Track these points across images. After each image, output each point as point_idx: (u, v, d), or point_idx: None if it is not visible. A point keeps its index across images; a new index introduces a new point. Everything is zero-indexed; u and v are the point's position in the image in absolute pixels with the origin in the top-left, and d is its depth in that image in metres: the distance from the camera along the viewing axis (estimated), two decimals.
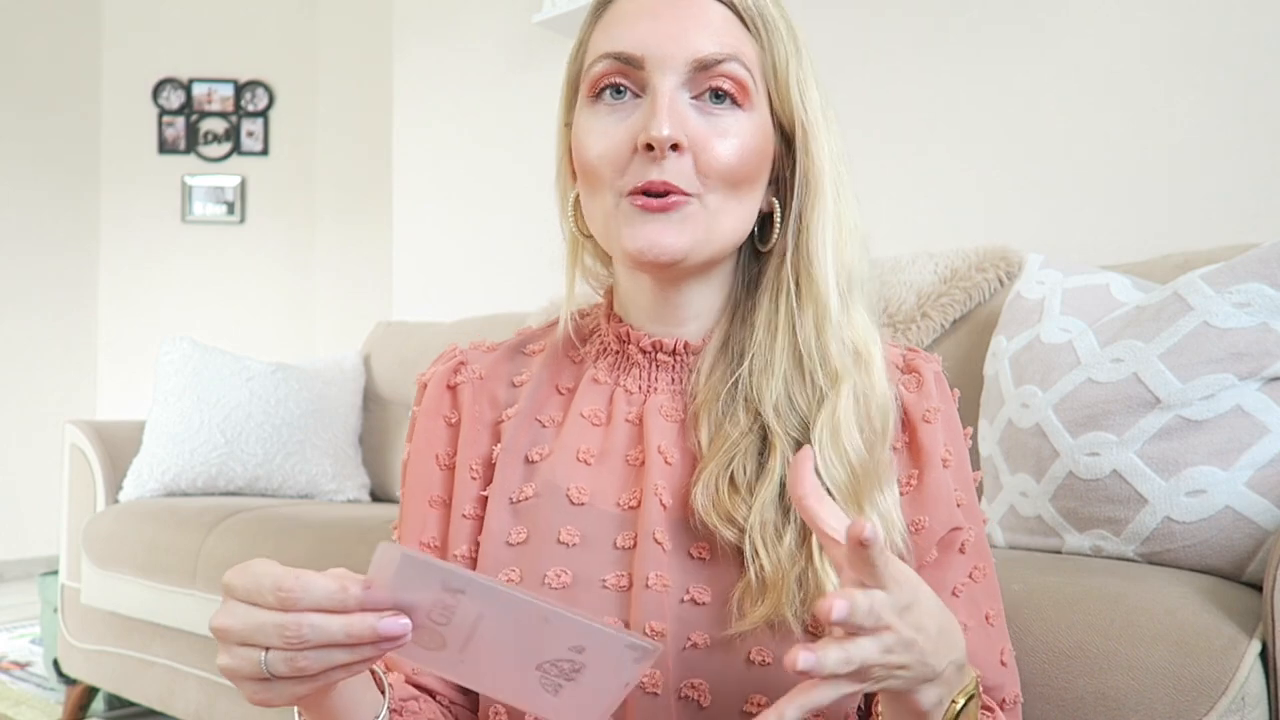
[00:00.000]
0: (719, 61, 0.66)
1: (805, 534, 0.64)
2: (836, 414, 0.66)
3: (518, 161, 2.71)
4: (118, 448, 2.17)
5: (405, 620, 0.49)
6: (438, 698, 0.73)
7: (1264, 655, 0.82)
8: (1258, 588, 0.93)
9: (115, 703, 2.25)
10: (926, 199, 1.90)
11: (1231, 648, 0.80)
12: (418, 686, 0.73)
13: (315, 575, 0.50)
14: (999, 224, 1.80)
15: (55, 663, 2.28)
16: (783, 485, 0.66)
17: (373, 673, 0.64)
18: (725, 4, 0.68)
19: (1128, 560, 1.03)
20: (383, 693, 0.63)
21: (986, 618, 0.72)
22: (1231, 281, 1.04)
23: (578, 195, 0.74)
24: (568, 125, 0.74)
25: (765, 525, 0.64)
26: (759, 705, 0.64)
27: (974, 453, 1.24)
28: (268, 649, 0.50)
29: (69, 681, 2.17)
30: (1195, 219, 1.59)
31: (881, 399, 0.68)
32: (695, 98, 0.67)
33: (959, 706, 0.57)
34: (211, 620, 0.51)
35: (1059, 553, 1.10)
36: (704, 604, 0.66)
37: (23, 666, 2.66)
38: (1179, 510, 1.00)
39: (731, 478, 0.66)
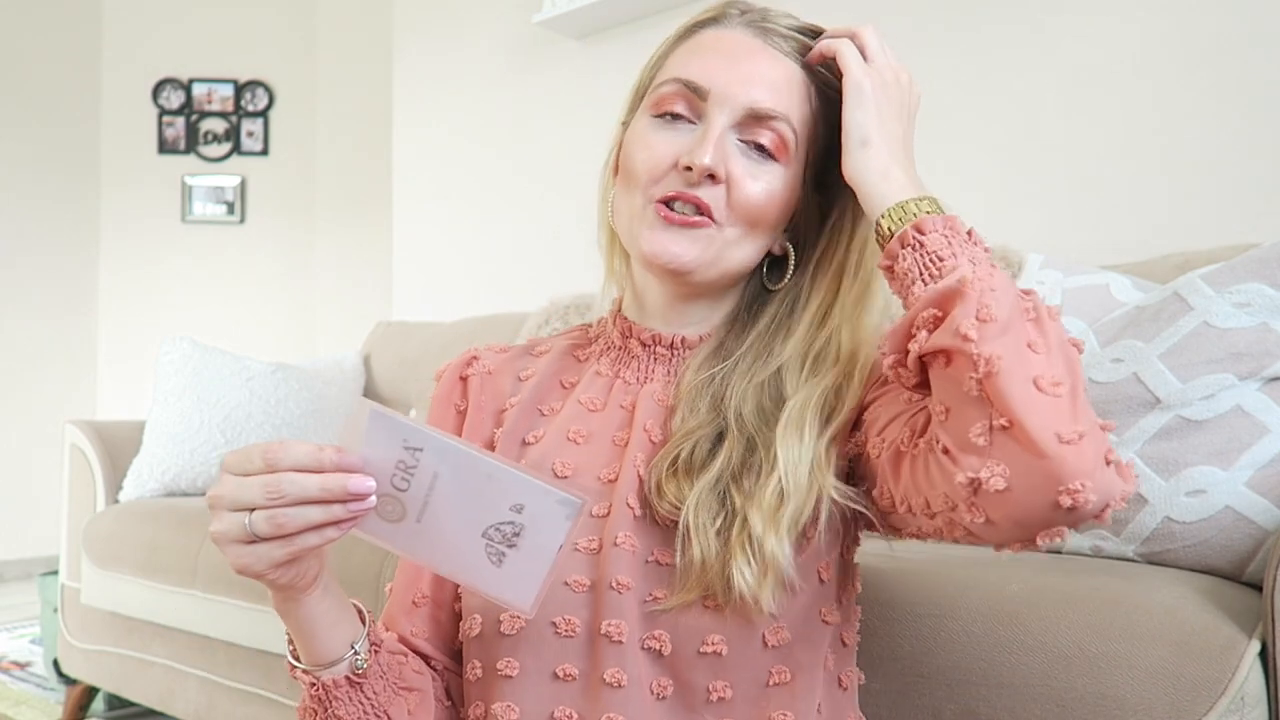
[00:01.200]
0: (771, 117, 0.73)
1: (731, 522, 0.69)
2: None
3: (518, 161, 2.71)
4: (118, 448, 2.17)
5: (371, 481, 0.56)
6: (432, 662, 0.79)
7: (1264, 655, 0.82)
8: (1258, 588, 0.93)
9: (115, 703, 2.25)
10: None
11: (1231, 648, 0.80)
12: (412, 649, 0.78)
13: (296, 441, 0.56)
14: (999, 224, 1.80)
15: (55, 663, 2.28)
16: (720, 474, 0.70)
17: (359, 611, 0.69)
18: (803, 67, 0.75)
19: (1128, 560, 1.03)
20: (364, 624, 0.69)
21: None
22: (1231, 281, 1.04)
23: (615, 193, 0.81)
24: (624, 124, 0.81)
25: (703, 506, 0.69)
26: (713, 644, 0.69)
27: None
28: (253, 510, 0.56)
29: (69, 681, 2.17)
30: (1195, 219, 1.59)
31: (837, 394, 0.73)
32: (742, 140, 0.74)
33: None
34: (208, 492, 0.58)
35: (1059, 553, 1.10)
36: (667, 565, 0.71)
37: (23, 666, 2.66)
38: (1179, 510, 0.99)
39: (676, 458, 0.72)
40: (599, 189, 0.84)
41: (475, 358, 0.85)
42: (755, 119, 0.73)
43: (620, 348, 0.82)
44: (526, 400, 0.82)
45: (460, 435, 0.82)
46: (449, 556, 0.59)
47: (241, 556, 0.57)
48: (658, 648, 0.69)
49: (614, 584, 0.70)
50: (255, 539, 0.56)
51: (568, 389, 0.83)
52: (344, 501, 0.55)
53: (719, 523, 0.69)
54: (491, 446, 0.81)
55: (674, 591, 0.69)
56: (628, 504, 0.72)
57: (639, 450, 0.75)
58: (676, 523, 0.70)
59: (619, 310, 0.84)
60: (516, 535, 0.57)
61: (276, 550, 0.57)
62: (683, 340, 0.80)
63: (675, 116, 0.74)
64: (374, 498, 0.56)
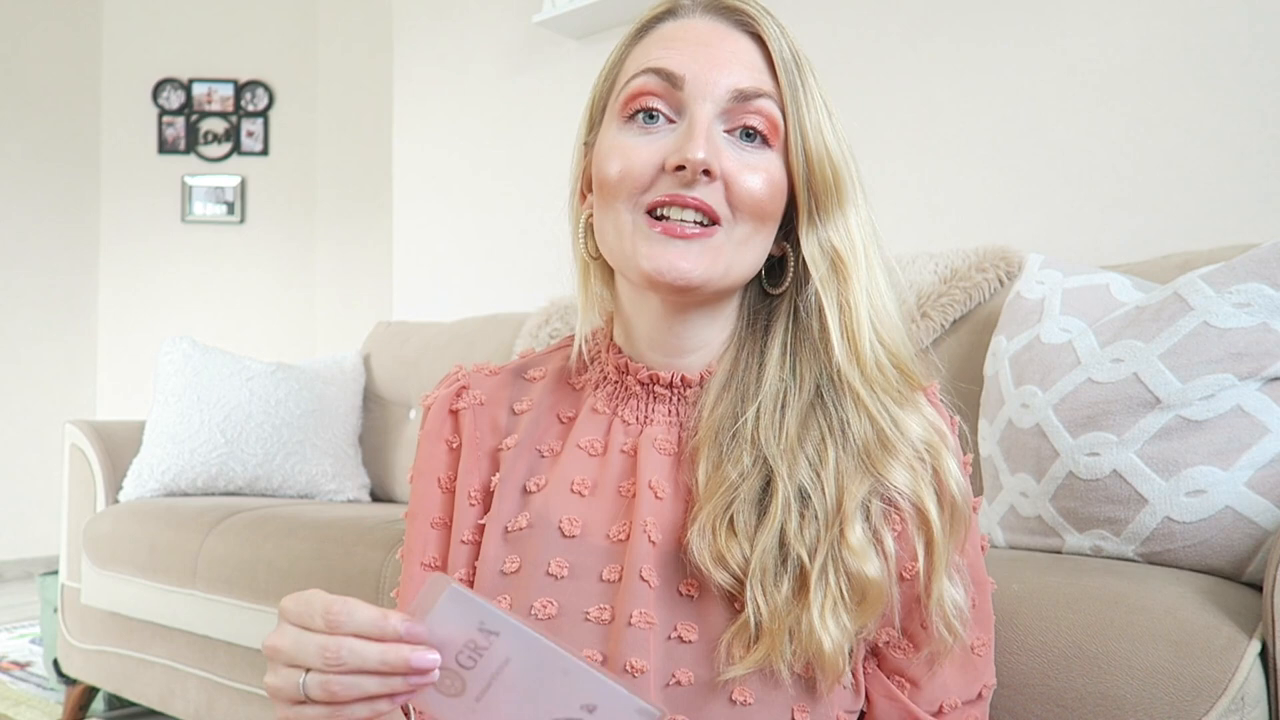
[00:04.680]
0: (757, 96, 0.67)
1: (801, 583, 0.64)
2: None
3: (518, 161, 2.71)
4: (118, 448, 2.17)
5: (436, 655, 0.52)
6: None
7: (1264, 655, 0.82)
8: (1258, 588, 0.93)
9: (115, 703, 2.25)
10: (926, 199, 1.90)
11: (1231, 648, 0.80)
12: None
13: (361, 604, 0.53)
14: (999, 224, 1.80)
15: (55, 663, 2.28)
16: (782, 532, 0.65)
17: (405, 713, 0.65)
18: (763, 50, 0.69)
19: (1128, 560, 1.03)
20: None
21: (973, 648, 0.72)
22: (1231, 281, 1.04)
23: (589, 217, 0.73)
24: (587, 145, 0.73)
25: (765, 571, 0.64)
26: None
27: (974, 454, 1.24)
28: (308, 670, 0.52)
29: (69, 681, 2.17)
30: (1195, 219, 1.59)
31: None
32: (728, 131, 0.67)
33: None
34: (265, 640, 0.55)
35: (1059, 553, 1.10)
36: (690, 642, 0.66)
37: (23, 666, 2.66)
38: (1179, 510, 1.00)
39: (730, 522, 0.66)
40: (569, 218, 0.77)
41: (465, 387, 0.78)
42: (742, 101, 0.66)
43: (616, 382, 0.75)
44: (524, 440, 0.75)
45: (455, 474, 0.76)
46: None
47: (290, 714, 0.54)
48: None
49: (629, 666, 0.65)
50: (306, 700, 0.53)
51: (565, 424, 0.76)
52: (404, 675, 0.52)
53: (784, 586, 0.64)
54: (489, 493, 0.75)
55: (745, 653, 0.64)
56: (642, 577, 0.67)
57: (649, 513, 0.69)
58: (698, 593, 0.67)
59: (610, 338, 0.77)
60: None
61: (325, 717, 0.53)
62: (683, 379, 0.73)
63: (651, 115, 0.67)
64: (437, 672, 0.52)
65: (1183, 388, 1.02)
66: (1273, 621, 0.81)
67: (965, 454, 0.75)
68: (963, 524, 0.67)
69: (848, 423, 0.67)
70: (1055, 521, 1.10)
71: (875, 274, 0.70)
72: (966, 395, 1.35)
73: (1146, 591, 0.88)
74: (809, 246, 0.69)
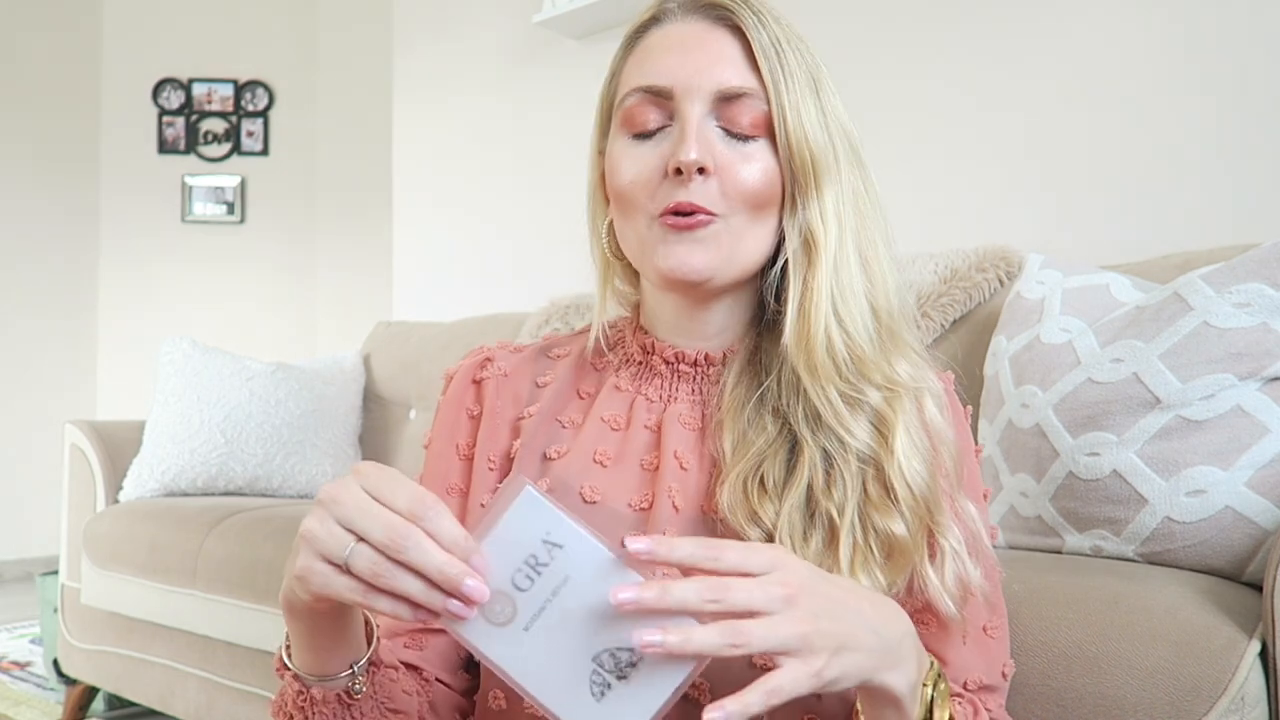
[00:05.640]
0: (741, 94, 0.70)
1: (831, 537, 0.65)
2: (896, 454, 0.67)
3: (518, 161, 2.71)
4: (118, 448, 2.17)
5: (487, 591, 0.50)
6: (423, 672, 0.74)
7: (1264, 655, 0.82)
8: (1258, 588, 0.93)
9: (115, 703, 2.25)
10: (926, 199, 1.90)
11: (1231, 648, 0.80)
12: (403, 663, 0.73)
13: (449, 512, 0.51)
14: (999, 224, 1.80)
15: (55, 663, 2.28)
16: (809, 489, 0.67)
17: (366, 623, 0.65)
18: (744, 44, 0.71)
19: (1128, 560, 1.03)
20: (369, 644, 0.64)
21: (984, 629, 0.72)
22: (1231, 281, 1.04)
23: (611, 220, 0.77)
24: (601, 152, 0.77)
25: (794, 526, 0.66)
26: None
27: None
28: (361, 540, 0.50)
29: (69, 681, 2.17)
30: (1195, 219, 1.59)
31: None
32: (721, 125, 0.71)
33: (930, 693, 0.59)
34: (324, 488, 0.52)
35: (1059, 553, 1.10)
36: None
37: (23, 666, 2.66)
38: (1179, 510, 1.00)
39: (761, 480, 0.68)
40: (588, 216, 0.80)
41: (489, 359, 0.81)
42: (727, 100, 0.70)
43: (641, 362, 0.78)
44: (545, 409, 0.77)
45: (474, 441, 0.77)
46: (544, 677, 0.51)
47: (316, 570, 0.51)
48: (697, 697, 0.65)
49: None
50: (343, 566, 0.50)
51: (585, 399, 0.78)
52: (450, 595, 0.50)
53: (814, 540, 0.65)
54: (509, 459, 0.76)
55: None
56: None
57: (673, 480, 0.71)
58: None
59: (637, 323, 0.80)
60: (631, 666, 0.50)
61: (353, 592, 0.51)
62: (706, 357, 0.76)
63: (651, 131, 0.71)
64: (478, 607, 0.50)
65: (1183, 388, 1.02)
66: (1273, 621, 0.81)
67: (977, 445, 0.76)
68: (922, 521, 0.67)
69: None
70: (1055, 521, 1.10)
71: (848, 255, 0.71)
72: (967, 395, 1.35)
73: (1146, 591, 0.88)
74: (788, 228, 0.72)
